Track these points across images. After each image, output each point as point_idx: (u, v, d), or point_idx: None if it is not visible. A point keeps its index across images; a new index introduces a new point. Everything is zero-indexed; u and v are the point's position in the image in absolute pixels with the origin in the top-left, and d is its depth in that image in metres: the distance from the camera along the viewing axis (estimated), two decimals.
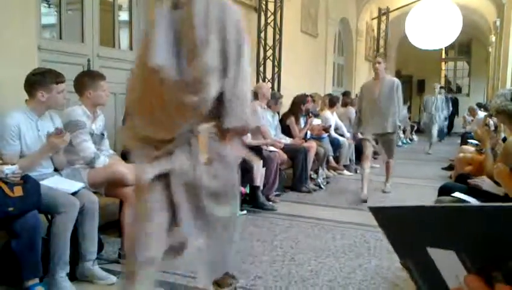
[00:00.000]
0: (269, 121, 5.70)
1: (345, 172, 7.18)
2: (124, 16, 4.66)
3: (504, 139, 3.30)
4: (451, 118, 13.67)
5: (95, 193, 2.92)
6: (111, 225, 3.50)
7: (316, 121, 6.84)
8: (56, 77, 2.75)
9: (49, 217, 2.69)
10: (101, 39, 4.18)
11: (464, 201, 2.46)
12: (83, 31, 3.99)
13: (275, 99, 5.85)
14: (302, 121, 6.26)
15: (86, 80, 3.05)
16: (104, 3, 4.33)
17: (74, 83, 3.10)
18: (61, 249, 2.55)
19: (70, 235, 2.59)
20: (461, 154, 5.31)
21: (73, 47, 3.94)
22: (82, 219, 2.69)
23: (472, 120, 10.17)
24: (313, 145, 6.05)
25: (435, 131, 10.48)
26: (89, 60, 4.00)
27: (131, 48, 4.61)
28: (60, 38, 3.88)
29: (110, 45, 4.39)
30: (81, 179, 2.91)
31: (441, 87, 12.77)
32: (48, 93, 2.70)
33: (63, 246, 2.55)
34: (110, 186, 3.04)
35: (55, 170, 2.91)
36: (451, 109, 12.50)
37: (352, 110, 8.13)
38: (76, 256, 2.75)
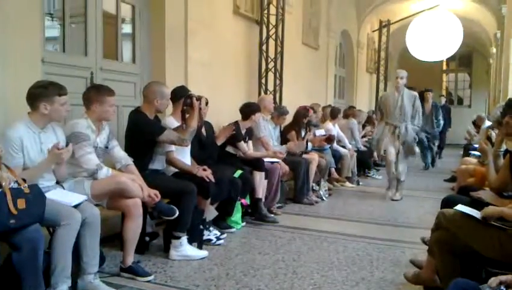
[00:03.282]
0: (270, 133, 5.72)
1: (347, 184, 7.17)
2: (127, 28, 4.70)
3: (506, 152, 3.29)
4: (443, 132, 10.57)
5: (96, 205, 2.92)
6: (113, 238, 3.50)
7: (320, 132, 6.85)
8: (59, 89, 2.75)
9: (51, 229, 2.69)
10: (104, 52, 4.21)
11: (467, 214, 2.45)
12: (86, 44, 4.01)
13: (279, 112, 5.86)
14: (303, 133, 6.27)
15: (93, 94, 3.07)
16: (107, 16, 4.36)
17: (83, 97, 3.12)
18: (62, 263, 2.53)
19: (72, 248, 2.58)
20: (463, 166, 5.30)
21: (77, 60, 3.97)
22: (84, 232, 2.68)
23: (477, 131, 9.88)
24: (314, 157, 6.05)
25: (402, 159, 6.06)
26: (92, 73, 4.02)
27: (133, 61, 4.63)
28: (63, 51, 3.90)
29: (113, 57, 4.42)
30: (83, 191, 2.91)
31: (426, 90, 9.39)
32: (50, 105, 2.70)
33: (64, 259, 2.54)
34: (112, 199, 3.04)
35: (57, 182, 2.91)
36: (441, 121, 9.54)
37: (354, 122, 8.14)
38: (78, 269, 2.74)
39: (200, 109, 3.49)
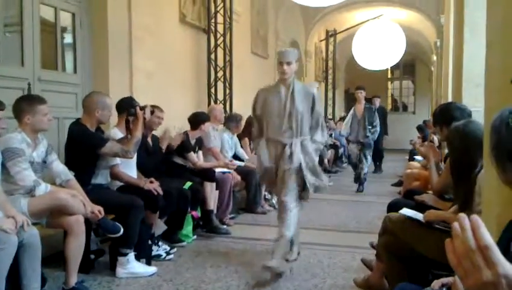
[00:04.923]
0: (228, 143, 5.69)
1: None
2: (67, 37, 4.52)
3: (447, 156, 3.41)
4: (378, 140, 8.52)
5: (35, 224, 2.75)
6: (54, 258, 3.31)
7: None
8: None
9: None
10: (43, 62, 4.02)
11: (411, 218, 2.51)
12: (22, 54, 3.81)
13: (235, 121, 5.84)
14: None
15: (24, 105, 2.90)
16: (46, 24, 4.17)
17: (13, 109, 2.95)
18: None
19: (6, 273, 2.40)
20: (408, 170, 5.46)
21: (12, 70, 3.76)
22: (22, 254, 2.51)
23: (421, 137, 9.70)
24: None
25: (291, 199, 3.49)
26: (29, 84, 3.81)
27: (75, 71, 4.45)
28: None
29: (52, 67, 4.22)
30: (20, 209, 2.73)
31: (357, 88, 7.42)
32: None
33: None
34: (52, 216, 2.88)
35: None
36: (377, 127, 7.33)
37: None
38: None
39: (144, 118, 3.38)
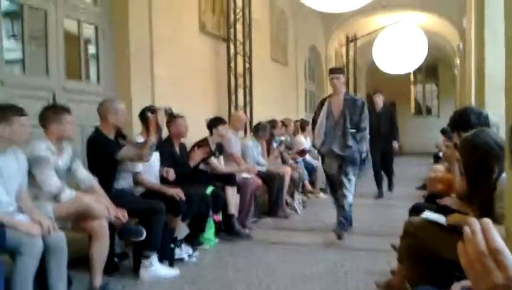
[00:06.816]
0: (250, 148, 5.74)
1: (321, 195, 7.18)
2: (91, 49, 4.65)
3: None
4: (386, 152, 7.27)
5: (62, 228, 2.83)
6: (80, 261, 3.38)
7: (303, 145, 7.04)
8: (18, 111, 2.71)
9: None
10: (68, 73, 4.14)
11: (432, 221, 2.48)
12: (47, 65, 3.94)
13: (265, 131, 5.90)
14: (274, 145, 6.29)
15: (50, 114, 3.01)
16: (70, 36, 4.31)
17: (39, 118, 3.05)
18: None
19: (33, 276, 2.48)
20: (432, 174, 5.38)
21: (38, 81, 3.89)
22: (49, 257, 2.59)
23: (447, 139, 9.26)
24: (287, 170, 6.06)
25: None
26: (54, 94, 3.94)
27: (98, 81, 4.57)
28: (24, 72, 3.82)
29: (76, 78, 4.35)
30: (46, 214, 2.82)
31: (334, 70, 4.88)
32: (10, 126, 2.65)
33: (25, 287, 2.44)
34: (77, 221, 2.96)
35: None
36: (365, 130, 4.61)
37: None
38: None
39: (156, 122, 3.40)
